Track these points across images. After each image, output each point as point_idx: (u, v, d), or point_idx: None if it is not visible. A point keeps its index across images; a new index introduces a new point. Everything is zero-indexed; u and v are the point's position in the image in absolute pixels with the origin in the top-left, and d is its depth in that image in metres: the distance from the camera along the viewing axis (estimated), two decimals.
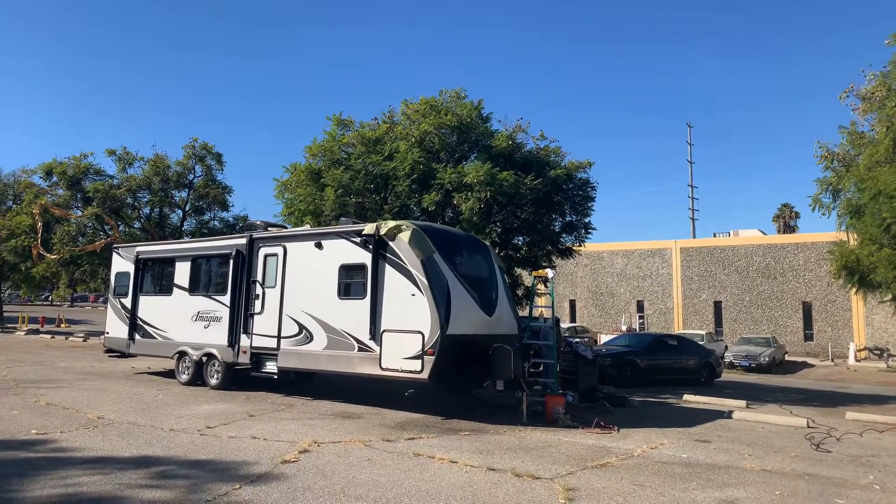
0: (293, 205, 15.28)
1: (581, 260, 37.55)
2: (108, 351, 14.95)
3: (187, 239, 17.04)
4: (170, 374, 13.85)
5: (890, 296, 12.45)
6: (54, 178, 24.39)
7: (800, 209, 65.04)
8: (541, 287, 15.81)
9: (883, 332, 30.69)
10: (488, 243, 12.93)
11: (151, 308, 13.99)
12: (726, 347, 27.90)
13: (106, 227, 23.35)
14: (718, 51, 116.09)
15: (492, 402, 11.66)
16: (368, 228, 10.50)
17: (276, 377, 11.62)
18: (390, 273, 10.22)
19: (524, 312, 13.19)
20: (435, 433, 8.89)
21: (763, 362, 25.36)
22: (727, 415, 11.56)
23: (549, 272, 12.17)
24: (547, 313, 12.82)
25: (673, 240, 37.62)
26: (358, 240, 10.67)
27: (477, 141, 15.46)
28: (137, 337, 14.08)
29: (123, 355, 14.73)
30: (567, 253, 16.45)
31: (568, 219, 16.40)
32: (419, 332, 9.66)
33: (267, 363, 11.75)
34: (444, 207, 14.68)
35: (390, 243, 10.25)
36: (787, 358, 29.20)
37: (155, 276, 14.17)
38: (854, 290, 12.76)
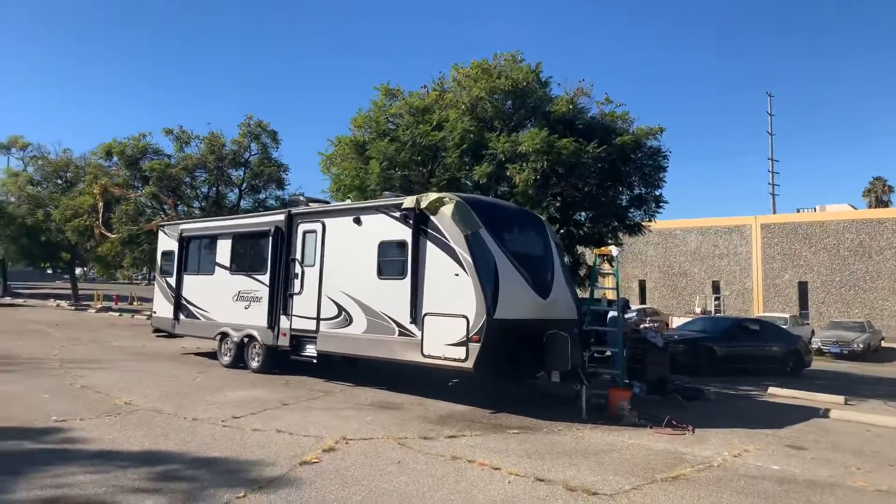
0: (339, 180, 14.52)
1: (651, 237, 35.44)
2: (156, 331, 14.74)
3: (230, 216, 16.59)
4: (216, 355, 13.46)
5: None
6: (115, 159, 24.77)
7: (894, 182, 60.01)
8: (605, 266, 14.49)
9: None
10: (545, 218, 11.74)
11: (195, 287, 13.60)
12: (813, 332, 25.60)
13: (165, 207, 23.45)
14: (802, 21, 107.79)
15: (549, 393, 10.54)
16: (408, 202, 9.52)
17: (315, 361, 10.91)
18: (432, 250, 9.23)
19: (587, 294, 11.97)
20: (480, 430, 7.90)
21: (856, 349, 23.03)
22: (823, 413, 10.03)
23: (614, 250, 10.87)
24: (611, 295, 11.56)
25: (753, 216, 34.96)
26: (398, 214, 9.72)
27: (535, 108, 14.14)
28: (182, 317, 13.74)
29: (170, 335, 14.48)
30: (635, 229, 14.97)
31: (636, 191, 14.92)
32: (463, 317, 8.65)
33: (307, 346, 11.06)
34: (497, 180, 13.54)
35: (432, 218, 9.25)
36: (883, 344, 26.55)
37: (198, 255, 13.74)
38: None
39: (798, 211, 39.87)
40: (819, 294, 31.95)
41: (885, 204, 55.12)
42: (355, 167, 13.71)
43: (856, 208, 39.06)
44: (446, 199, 9.24)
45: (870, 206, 51.60)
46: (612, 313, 11.85)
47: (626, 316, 12.39)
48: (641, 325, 11.92)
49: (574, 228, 15.23)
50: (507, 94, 13.84)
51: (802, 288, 32.50)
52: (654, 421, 8.60)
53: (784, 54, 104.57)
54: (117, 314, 28.34)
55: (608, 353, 10.67)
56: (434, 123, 13.54)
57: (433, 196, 9.34)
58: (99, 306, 33.44)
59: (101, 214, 23.77)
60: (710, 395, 11.26)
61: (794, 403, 11.15)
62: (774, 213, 42.12)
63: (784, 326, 20.59)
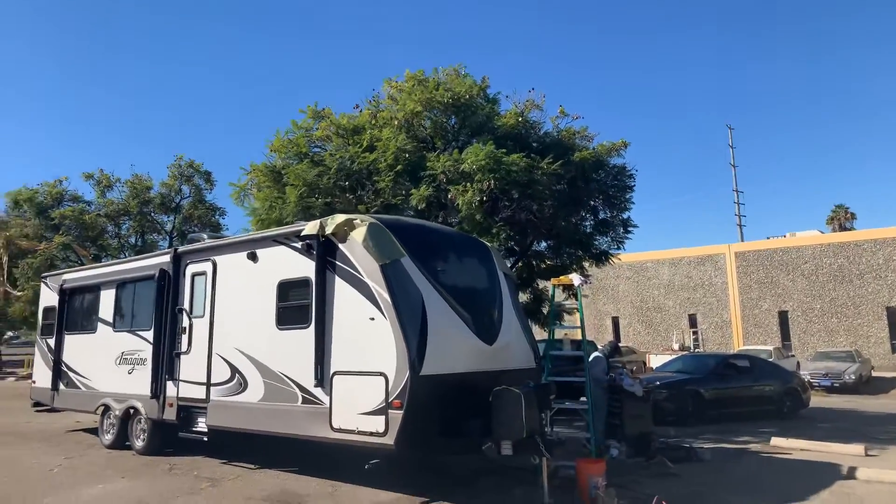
0: (256, 213, 12.39)
1: (622, 271, 33.84)
2: (36, 404, 12.11)
3: (116, 261, 14.25)
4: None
5: None
6: (24, 209, 22.25)
7: (855, 210, 60.28)
8: (571, 300, 12.54)
9: None
10: (495, 244, 9.77)
11: (76, 349, 11.16)
12: (798, 365, 23.86)
13: (83, 259, 20.92)
14: (756, 46, 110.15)
15: (503, 466, 8.26)
16: (310, 227, 7.44)
17: (205, 439, 8.54)
18: (341, 288, 7.13)
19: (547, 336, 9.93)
20: None
21: (848, 380, 21.28)
22: (848, 473, 7.99)
23: (576, 279, 8.90)
24: (575, 335, 9.53)
25: (726, 244, 33.61)
26: (299, 245, 7.62)
27: (481, 125, 12.28)
28: (61, 386, 11.24)
29: (52, 409, 11.94)
30: (602, 258, 13.06)
31: (601, 216, 13.09)
32: (381, 374, 6.51)
33: (198, 419, 8.70)
34: (440, 205, 11.57)
35: (340, 246, 7.19)
36: (873, 374, 24.88)
37: (80, 309, 11.34)
38: None
39: (769, 238, 38.78)
40: (801, 323, 30.39)
41: (849, 231, 54.89)
42: (269, 196, 11.64)
43: (824, 234, 38.14)
44: (357, 221, 7.20)
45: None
46: (596, 354, 9.81)
47: (613, 363, 10.34)
48: (620, 372, 9.87)
49: (534, 260, 13.32)
50: (448, 109, 12.02)
51: (783, 317, 30.93)
52: (639, 500, 6.49)
53: (743, 87, 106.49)
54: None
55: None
56: (365, 145, 11.61)
57: (341, 218, 7.28)
58: (25, 373, 30.18)
59: (4, 271, 21.14)
60: (705, 454, 9.16)
61: (807, 458, 9.12)
62: (743, 242, 41.03)
63: (769, 360, 18.77)
